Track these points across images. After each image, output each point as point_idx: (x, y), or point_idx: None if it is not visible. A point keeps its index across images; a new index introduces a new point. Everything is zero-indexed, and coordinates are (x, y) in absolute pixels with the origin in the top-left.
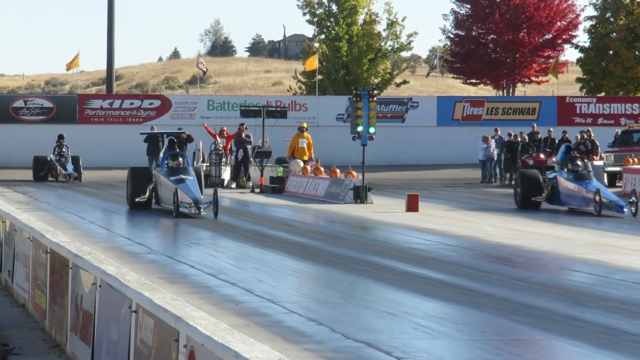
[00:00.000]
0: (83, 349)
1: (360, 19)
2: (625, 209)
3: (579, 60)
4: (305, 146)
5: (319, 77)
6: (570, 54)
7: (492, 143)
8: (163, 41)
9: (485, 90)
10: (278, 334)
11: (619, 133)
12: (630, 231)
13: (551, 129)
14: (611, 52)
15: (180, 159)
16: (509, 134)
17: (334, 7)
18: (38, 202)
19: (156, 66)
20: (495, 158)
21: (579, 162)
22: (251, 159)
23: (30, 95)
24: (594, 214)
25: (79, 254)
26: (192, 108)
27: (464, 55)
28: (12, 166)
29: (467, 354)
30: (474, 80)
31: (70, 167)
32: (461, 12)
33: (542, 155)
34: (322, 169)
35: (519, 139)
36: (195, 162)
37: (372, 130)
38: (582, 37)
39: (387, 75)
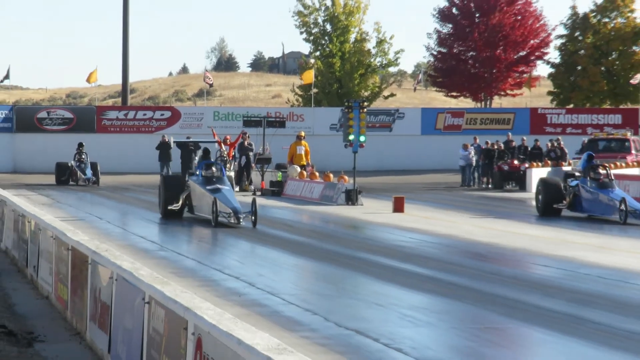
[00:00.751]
0: (101, 337)
1: (352, 37)
2: None
3: (550, 75)
4: (302, 153)
5: (315, 90)
6: (542, 69)
7: (471, 150)
8: (173, 57)
9: (465, 103)
10: (277, 323)
11: (586, 141)
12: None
13: (524, 138)
14: (579, 68)
15: (215, 168)
16: (486, 142)
17: (328, 27)
18: (60, 204)
19: (167, 80)
20: (474, 164)
21: (601, 171)
22: (253, 165)
23: (52, 107)
24: (618, 222)
25: (97, 251)
26: (200, 118)
27: (446, 70)
28: (36, 171)
29: (448, 341)
30: (454, 93)
31: (89, 172)
32: (443, 31)
33: (516, 162)
34: (317, 173)
35: (496, 147)
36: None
37: (362, 138)
38: (553, 54)
39: (376, 89)
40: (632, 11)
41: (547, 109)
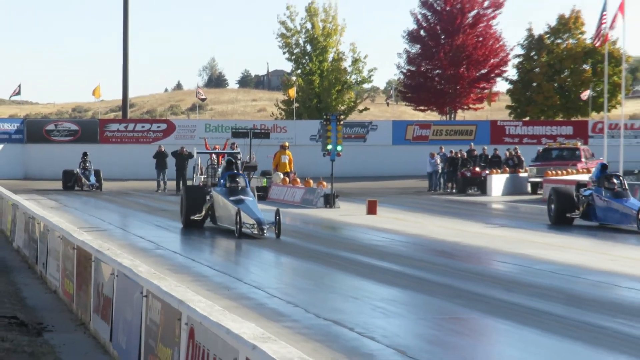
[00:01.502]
0: (103, 327)
1: (330, 57)
2: None
3: (508, 91)
4: (287, 161)
5: (296, 104)
6: (501, 86)
7: (437, 158)
8: (168, 75)
9: (432, 116)
10: (262, 314)
11: (541, 150)
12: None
13: (485, 147)
14: (535, 84)
15: (239, 179)
16: (451, 151)
17: (309, 47)
18: (67, 207)
19: (163, 96)
20: (440, 171)
21: (615, 180)
22: (240, 172)
23: (59, 120)
24: (634, 231)
25: (100, 249)
26: (192, 130)
27: (414, 86)
28: (45, 178)
29: (415, 330)
30: (422, 107)
31: (92, 178)
32: (412, 51)
33: (477, 169)
34: (298, 180)
35: (459, 155)
36: (195, 174)
37: (339, 148)
38: (511, 72)
39: (352, 103)
40: (582, 33)
41: (505, 122)
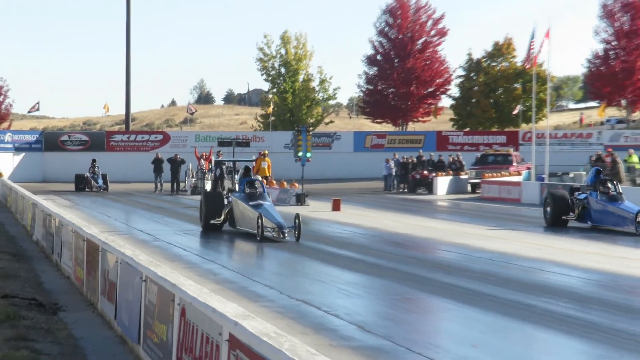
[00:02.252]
0: (109, 307)
1: (301, 78)
2: None
3: (451, 106)
4: (266, 167)
5: (272, 118)
6: (445, 102)
7: (392, 163)
8: (164, 93)
9: (387, 127)
10: (244, 296)
11: (479, 156)
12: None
13: (432, 154)
14: (474, 100)
15: (257, 185)
16: (403, 157)
17: (283, 70)
18: (78, 205)
19: (159, 111)
20: (394, 174)
21: (610, 185)
22: (225, 175)
23: (72, 131)
24: (622, 232)
25: (106, 241)
26: (185, 140)
27: (372, 102)
28: (59, 181)
29: (373, 309)
30: (379, 120)
31: (100, 181)
32: (370, 72)
33: (425, 172)
34: (274, 182)
35: (410, 161)
36: (187, 178)
37: (309, 154)
38: (454, 90)
39: (319, 117)
40: (513, 57)
41: (449, 132)
